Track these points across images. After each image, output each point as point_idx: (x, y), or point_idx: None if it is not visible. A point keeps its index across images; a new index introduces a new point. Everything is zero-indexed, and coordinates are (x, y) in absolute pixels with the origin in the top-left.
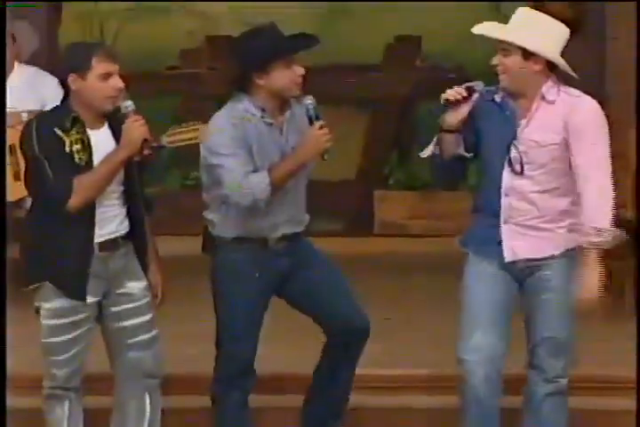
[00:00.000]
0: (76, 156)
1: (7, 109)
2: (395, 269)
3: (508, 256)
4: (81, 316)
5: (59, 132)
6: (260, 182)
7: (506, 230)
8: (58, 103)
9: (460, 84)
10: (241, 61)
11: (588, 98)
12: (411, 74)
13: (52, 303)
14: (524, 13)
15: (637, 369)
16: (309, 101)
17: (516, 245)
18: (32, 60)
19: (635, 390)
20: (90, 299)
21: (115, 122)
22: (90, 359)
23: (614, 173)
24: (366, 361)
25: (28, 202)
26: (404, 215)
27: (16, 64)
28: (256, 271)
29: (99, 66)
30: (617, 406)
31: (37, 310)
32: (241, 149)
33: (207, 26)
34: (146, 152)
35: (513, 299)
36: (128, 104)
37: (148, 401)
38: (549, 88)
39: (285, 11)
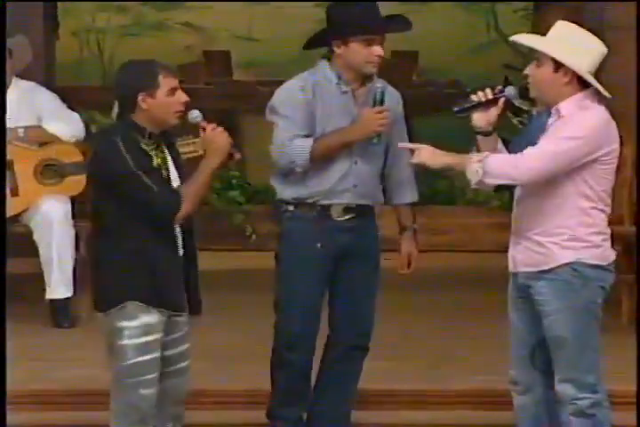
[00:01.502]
0: (162, 170)
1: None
2: (391, 285)
3: (509, 266)
4: (161, 334)
5: (145, 146)
6: (301, 147)
7: (512, 241)
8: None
9: (455, 99)
10: (328, 25)
11: (589, 110)
12: (407, 89)
13: (137, 321)
14: (563, 27)
15: (638, 384)
16: (379, 85)
17: (516, 256)
18: (28, 75)
19: (634, 404)
20: (164, 317)
21: (166, 137)
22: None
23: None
24: (368, 376)
25: (25, 217)
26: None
27: (13, 79)
28: (318, 242)
29: (165, 82)
30: (615, 420)
31: (114, 333)
32: (298, 111)
33: (204, 41)
34: (236, 157)
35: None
36: (196, 114)
37: None
38: (569, 102)
39: (280, 28)
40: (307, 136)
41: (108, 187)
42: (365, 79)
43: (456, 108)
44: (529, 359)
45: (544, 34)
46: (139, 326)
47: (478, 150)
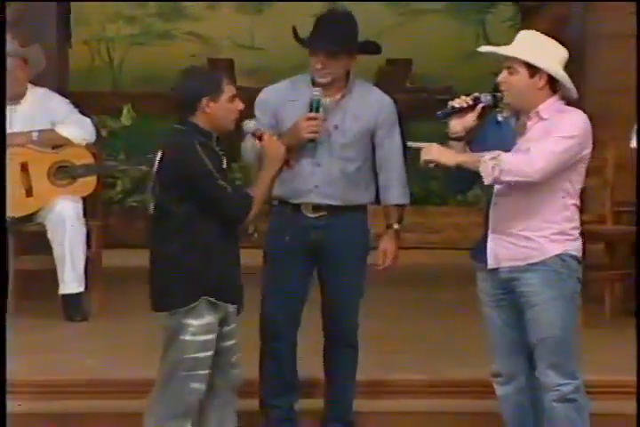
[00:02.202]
0: (228, 173)
1: (19, 130)
2: (388, 280)
3: (490, 263)
4: (217, 333)
5: (216, 150)
6: (251, 145)
7: (492, 239)
8: (73, 120)
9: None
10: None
11: (573, 113)
12: (401, 95)
13: (203, 320)
14: (527, 35)
15: (638, 374)
16: (316, 93)
17: (500, 252)
18: (42, 81)
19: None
20: (222, 313)
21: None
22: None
23: (594, 190)
24: (367, 367)
25: (39, 216)
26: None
27: (28, 85)
28: (286, 235)
29: (228, 89)
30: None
31: (178, 328)
32: (265, 113)
33: (208, 49)
34: (291, 164)
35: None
36: (252, 123)
37: (229, 415)
38: (548, 106)
39: (280, 37)
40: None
41: (184, 187)
42: (342, 88)
43: (438, 113)
44: (512, 352)
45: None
46: (203, 324)
47: None
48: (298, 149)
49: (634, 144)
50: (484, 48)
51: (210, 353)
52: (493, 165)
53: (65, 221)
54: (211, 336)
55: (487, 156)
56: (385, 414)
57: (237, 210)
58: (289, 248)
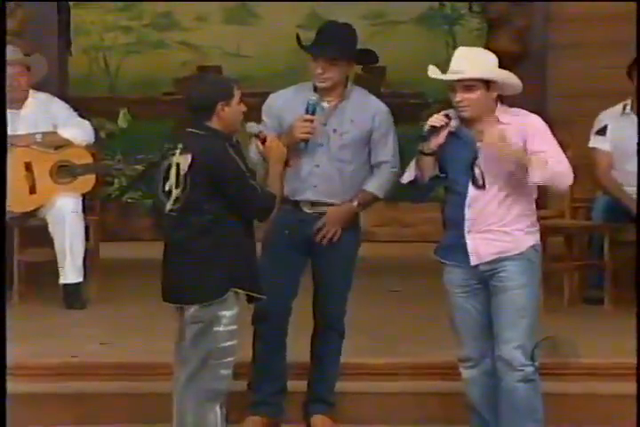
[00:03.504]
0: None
1: (23, 132)
2: (366, 272)
3: (473, 260)
4: None
5: (242, 151)
6: (255, 147)
7: (470, 238)
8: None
9: (420, 109)
10: None
11: (533, 115)
12: None
13: (233, 311)
14: (466, 52)
15: (638, 357)
16: (313, 97)
17: (480, 249)
18: (44, 87)
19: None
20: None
21: None
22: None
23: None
24: (353, 351)
25: (42, 212)
26: (373, 223)
27: (30, 90)
28: (286, 229)
29: (237, 93)
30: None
31: (213, 320)
32: (269, 118)
33: (198, 57)
34: (290, 164)
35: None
36: (255, 126)
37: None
38: (502, 112)
39: (265, 46)
40: None
41: (217, 187)
42: (341, 94)
43: (424, 135)
44: (482, 336)
45: (495, 51)
46: (234, 315)
47: (420, 169)
48: (292, 148)
49: (592, 144)
50: (447, 76)
51: (236, 341)
52: (545, 167)
53: (65, 216)
54: (236, 326)
55: (533, 157)
56: (363, 394)
57: (265, 208)
58: (288, 241)
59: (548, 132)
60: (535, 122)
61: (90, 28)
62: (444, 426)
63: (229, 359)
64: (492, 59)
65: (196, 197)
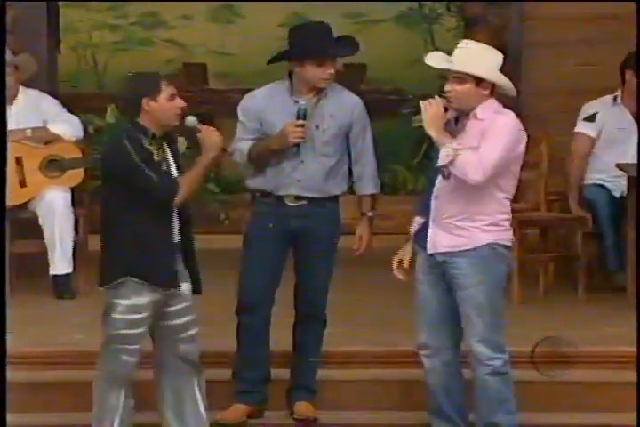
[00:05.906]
0: (163, 164)
1: (14, 128)
2: (344, 262)
3: (429, 248)
4: (149, 313)
5: (146, 145)
6: (240, 150)
7: (432, 227)
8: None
9: (399, 105)
10: (289, 46)
11: (506, 115)
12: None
13: (129, 300)
14: (468, 46)
15: (638, 346)
16: (303, 102)
17: (437, 240)
18: (34, 84)
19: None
20: (156, 296)
21: (169, 138)
22: None
23: (530, 181)
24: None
25: (32, 205)
26: (352, 216)
27: (20, 87)
28: (270, 222)
29: (166, 89)
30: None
31: (109, 306)
32: (247, 117)
33: (184, 55)
34: (228, 151)
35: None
36: (193, 119)
37: (197, 388)
38: (484, 108)
39: (249, 45)
40: (255, 139)
41: (116, 179)
42: (319, 93)
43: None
44: (440, 327)
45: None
46: (129, 305)
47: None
48: (283, 151)
49: (578, 129)
50: (439, 64)
51: (139, 330)
52: (450, 155)
53: (55, 208)
54: (139, 316)
55: (454, 144)
56: (343, 382)
57: (161, 194)
58: (271, 234)
59: (502, 132)
60: (498, 121)
61: (78, 26)
62: (424, 412)
63: (133, 347)
64: (492, 58)
65: (105, 189)
